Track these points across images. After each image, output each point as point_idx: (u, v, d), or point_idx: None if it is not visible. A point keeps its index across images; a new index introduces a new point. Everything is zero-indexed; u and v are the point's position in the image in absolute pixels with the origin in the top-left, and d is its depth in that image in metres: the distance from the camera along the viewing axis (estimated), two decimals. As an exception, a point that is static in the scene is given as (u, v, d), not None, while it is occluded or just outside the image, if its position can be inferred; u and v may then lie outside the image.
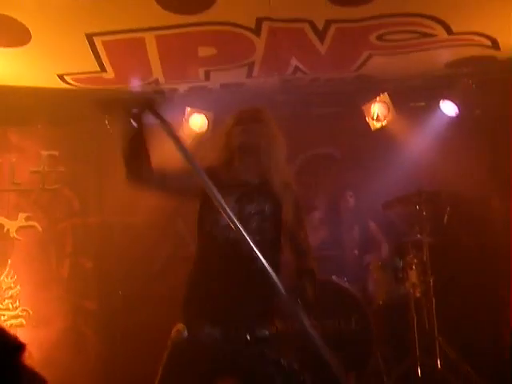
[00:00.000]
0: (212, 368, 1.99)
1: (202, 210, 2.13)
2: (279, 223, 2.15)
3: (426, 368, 3.83)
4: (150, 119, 2.04)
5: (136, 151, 2.11)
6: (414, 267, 3.98)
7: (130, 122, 2.05)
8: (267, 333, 2.01)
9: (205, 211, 2.12)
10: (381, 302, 4.03)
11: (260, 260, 1.49)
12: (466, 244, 4.14)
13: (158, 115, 1.90)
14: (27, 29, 3.44)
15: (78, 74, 4.14)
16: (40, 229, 4.78)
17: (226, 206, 1.57)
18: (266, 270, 1.48)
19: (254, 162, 2.17)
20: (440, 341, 3.86)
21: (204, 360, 1.98)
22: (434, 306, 3.91)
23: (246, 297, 2.00)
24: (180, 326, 2.05)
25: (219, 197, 1.57)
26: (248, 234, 1.54)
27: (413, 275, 3.96)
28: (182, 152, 1.69)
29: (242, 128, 2.21)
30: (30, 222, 4.76)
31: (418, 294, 3.95)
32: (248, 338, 1.98)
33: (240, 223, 1.55)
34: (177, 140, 1.72)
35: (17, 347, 0.90)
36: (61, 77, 4.17)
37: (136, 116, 2.05)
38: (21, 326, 4.62)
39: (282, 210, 2.15)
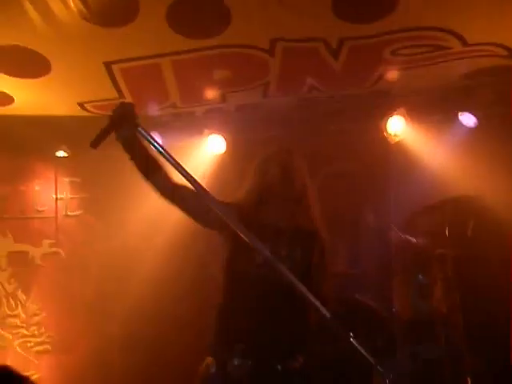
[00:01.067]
0: None
1: (235, 247, 2.09)
2: (309, 269, 2.11)
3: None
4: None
5: (144, 163, 2.13)
6: (438, 282, 3.91)
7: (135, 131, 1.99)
8: (297, 364, 1.98)
9: (238, 249, 2.07)
10: (406, 319, 3.96)
11: (295, 293, 1.57)
12: (492, 257, 4.06)
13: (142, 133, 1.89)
14: (47, 60, 3.53)
15: (98, 101, 4.23)
16: (64, 255, 4.84)
17: (259, 244, 1.65)
18: (301, 301, 1.58)
19: (283, 203, 2.13)
20: (468, 359, 3.76)
21: None
22: (461, 321, 3.82)
23: (275, 330, 1.98)
24: (209, 359, 2.03)
25: (252, 235, 1.63)
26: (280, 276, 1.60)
27: (438, 291, 3.89)
28: (196, 188, 1.72)
29: (277, 164, 2.18)
30: (54, 249, 4.83)
31: (444, 310, 3.87)
32: (279, 369, 1.95)
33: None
34: (180, 167, 1.75)
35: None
36: (81, 105, 4.26)
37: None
38: (47, 352, 4.65)
39: (311, 257, 2.13)
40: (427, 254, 4.05)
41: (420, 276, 3.92)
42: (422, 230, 4.56)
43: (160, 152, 1.81)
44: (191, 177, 1.75)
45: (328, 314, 1.53)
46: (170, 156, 1.77)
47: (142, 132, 1.88)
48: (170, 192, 2.15)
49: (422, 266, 3.98)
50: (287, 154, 2.23)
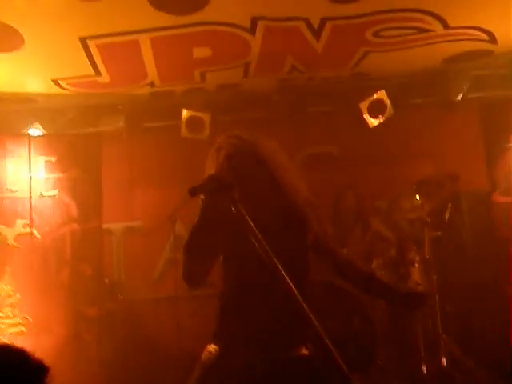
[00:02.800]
0: None
1: (228, 255, 2.04)
2: (306, 252, 2.07)
3: (431, 366, 3.79)
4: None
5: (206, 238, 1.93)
6: (416, 265, 3.95)
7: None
8: (300, 353, 1.97)
9: (230, 256, 2.04)
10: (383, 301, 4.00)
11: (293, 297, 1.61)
12: (469, 240, 4.12)
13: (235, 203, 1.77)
14: (19, 33, 3.40)
15: (73, 78, 4.12)
16: (38, 236, 4.75)
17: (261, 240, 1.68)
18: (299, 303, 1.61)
19: (249, 192, 1.97)
20: (444, 338, 3.83)
21: (237, 382, 1.93)
22: (437, 303, 3.88)
23: (279, 320, 1.96)
24: (212, 347, 2.00)
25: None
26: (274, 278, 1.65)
27: (415, 272, 3.93)
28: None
29: (224, 153, 2.03)
30: (28, 229, 4.73)
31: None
32: (282, 358, 1.94)
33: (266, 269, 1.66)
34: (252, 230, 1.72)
35: (41, 370, 0.86)
36: (55, 81, 4.14)
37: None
38: (21, 333, 4.58)
39: (308, 236, 2.07)
40: (406, 237, 4.09)
41: (398, 258, 3.95)
42: (401, 213, 4.61)
43: (253, 232, 1.74)
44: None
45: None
46: (261, 239, 1.73)
47: (239, 208, 1.77)
48: (201, 278, 2.00)
49: (401, 249, 4.01)
50: (236, 139, 2.07)
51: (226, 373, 1.95)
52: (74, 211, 4.89)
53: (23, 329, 4.59)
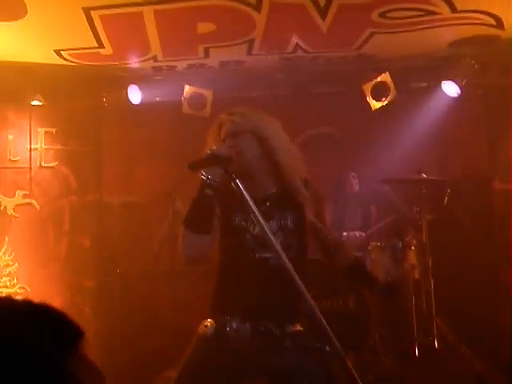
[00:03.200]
0: (241, 365, 1.94)
1: (225, 231, 2.04)
2: (304, 232, 2.07)
3: (422, 348, 3.84)
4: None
5: (208, 215, 1.92)
6: (412, 248, 3.98)
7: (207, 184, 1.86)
8: (295, 329, 2.00)
9: (228, 232, 2.04)
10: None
11: (289, 273, 1.65)
12: (466, 225, 4.13)
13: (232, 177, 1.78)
14: (23, 2, 3.36)
15: (76, 49, 4.08)
16: (37, 206, 4.76)
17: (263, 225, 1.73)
18: (295, 280, 1.64)
19: (250, 171, 2.00)
20: (437, 322, 3.87)
21: (233, 357, 1.94)
22: (432, 287, 3.91)
23: (274, 297, 1.98)
24: (208, 321, 2.01)
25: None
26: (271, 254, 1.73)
27: (412, 256, 3.95)
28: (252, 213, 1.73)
29: (225, 130, 2.02)
30: (28, 200, 4.74)
31: (416, 276, 3.95)
32: (277, 334, 1.96)
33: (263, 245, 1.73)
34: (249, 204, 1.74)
35: (79, 334, 0.87)
36: (58, 52, 4.10)
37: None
38: (19, 303, 4.62)
39: (305, 216, 2.06)
40: (403, 220, 4.10)
41: (395, 241, 3.97)
42: (400, 196, 4.62)
43: (251, 208, 1.76)
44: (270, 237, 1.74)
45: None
46: (258, 215, 1.75)
47: (239, 184, 1.77)
48: (200, 254, 1.99)
49: (398, 232, 4.03)
50: (239, 117, 2.04)
51: (221, 346, 1.97)
52: (73, 183, 4.89)
53: (20, 299, 4.63)
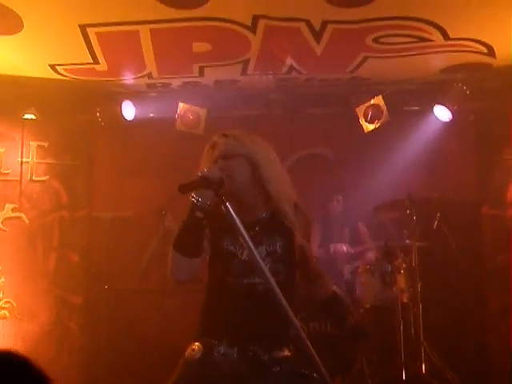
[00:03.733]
0: None
1: (214, 254, 2.03)
2: (293, 257, 2.06)
3: (410, 372, 3.82)
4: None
5: (198, 238, 1.92)
6: (402, 272, 3.98)
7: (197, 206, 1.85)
8: (283, 354, 1.98)
9: (216, 256, 2.03)
10: (368, 306, 4.02)
11: (277, 299, 1.67)
12: (455, 250, 4.14)
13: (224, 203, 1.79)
14: (19, 17, 3.38)
15: (71, 64, 4.09)
16: (27, 220, 4.73)
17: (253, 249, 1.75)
18: (283, 306, 1.67)
19: (240, 194, 1.99)
20: (425, 346, 3.86)
21: (219, 381, 1.93)
22: (420, 311, 3.91)
23: (262, 322, 1.96)
24: (196, 345, 1.99)
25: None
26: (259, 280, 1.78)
27: (401, 280, 3.95)
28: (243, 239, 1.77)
29: (218, 152, 2.01)
30: (17, 213, 4.70)
31: (405, 300, 3.95)
32: (265, 359, 1.94)
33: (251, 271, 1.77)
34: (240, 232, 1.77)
35: (44, 381, 0.85)
36: (53, 67, 4.11)
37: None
38: (4, 317, 4.56)
39: (294, 242, 2.05)
40: (393, 244, 4.10)
41: (384, 264, 3.97)
42: (390, 220, 4.63)
43: (240, 232, 1.77)
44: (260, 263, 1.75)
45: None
46: (247, 239, 1.77)
47: (229, 208, 1.77)
48: (189, 276, 1.97)
49: (388, 255, 4.03)
50: (232, 139, 2.03)
51: (208, 370, 1.95)
52: (64, 198, 4.87)
53: (6, 313, 4.57)
